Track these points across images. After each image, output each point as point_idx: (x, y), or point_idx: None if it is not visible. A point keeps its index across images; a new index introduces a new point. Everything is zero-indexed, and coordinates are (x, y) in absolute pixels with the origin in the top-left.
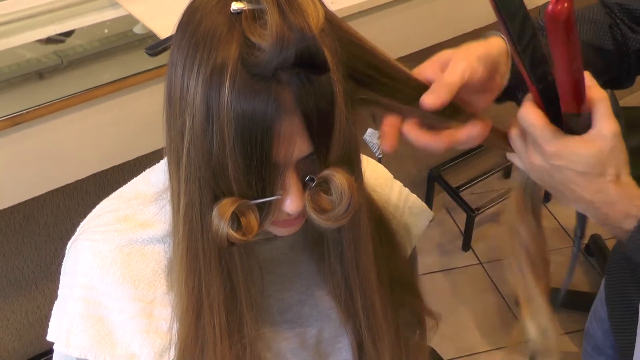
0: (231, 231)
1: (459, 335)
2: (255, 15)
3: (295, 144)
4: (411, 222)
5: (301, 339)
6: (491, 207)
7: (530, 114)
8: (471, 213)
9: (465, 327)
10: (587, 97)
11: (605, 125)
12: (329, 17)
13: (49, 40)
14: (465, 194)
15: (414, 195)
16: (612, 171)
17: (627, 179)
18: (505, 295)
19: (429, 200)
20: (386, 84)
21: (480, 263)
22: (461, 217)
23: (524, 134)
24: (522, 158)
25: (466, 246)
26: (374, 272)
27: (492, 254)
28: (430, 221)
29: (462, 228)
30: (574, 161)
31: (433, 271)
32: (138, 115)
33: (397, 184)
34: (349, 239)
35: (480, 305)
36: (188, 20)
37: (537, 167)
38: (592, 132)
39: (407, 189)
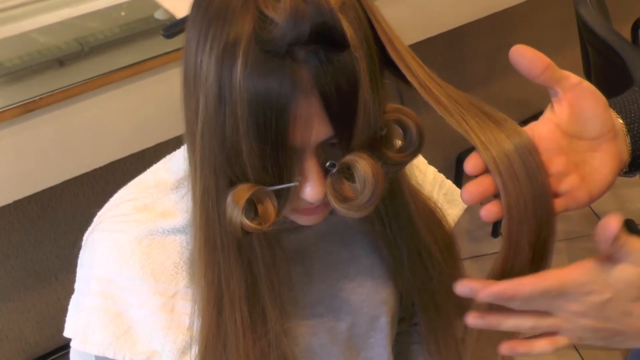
0: (245, 219)
1: None
2: None
3: (312, 126)
4: (446, 209)
5: (332, 334)
6: None
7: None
8: None
9: None
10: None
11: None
12: None
13: None
14: None
15: (449, 182)
16: None
17: None
18: None
19: (457, 186)
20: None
21: None
22: None
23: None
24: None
25: (495, 232)
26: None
27: None
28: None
29: None
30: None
31: (462, 258)
32: (158, 100)
33: (431, 170)
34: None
35: None
36: None
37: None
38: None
39: (442, 174)
